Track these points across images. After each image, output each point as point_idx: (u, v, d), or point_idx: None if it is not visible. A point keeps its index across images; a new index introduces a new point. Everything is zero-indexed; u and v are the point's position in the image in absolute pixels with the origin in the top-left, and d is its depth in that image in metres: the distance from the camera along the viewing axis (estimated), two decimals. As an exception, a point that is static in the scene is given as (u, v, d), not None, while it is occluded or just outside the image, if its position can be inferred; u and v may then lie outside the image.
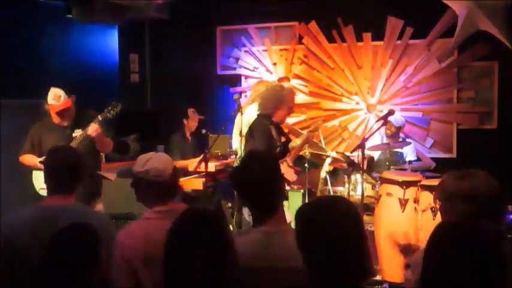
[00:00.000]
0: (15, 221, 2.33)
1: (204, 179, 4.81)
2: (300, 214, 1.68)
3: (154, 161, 2.41)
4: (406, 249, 2.65)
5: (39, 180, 3.94)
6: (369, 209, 4.49)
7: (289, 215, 5.14)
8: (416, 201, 3.76)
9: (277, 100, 4.04)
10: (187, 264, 1.65)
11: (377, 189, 4.21)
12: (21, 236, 2.24)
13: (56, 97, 4.00)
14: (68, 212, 2.31)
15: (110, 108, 4.08)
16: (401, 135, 5.32)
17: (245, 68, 6.36)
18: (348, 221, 1.61)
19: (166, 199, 2.40)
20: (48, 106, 4.03)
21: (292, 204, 5.22)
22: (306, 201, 5.13)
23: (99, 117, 4.03)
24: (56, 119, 4.06)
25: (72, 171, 2.45)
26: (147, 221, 2.35)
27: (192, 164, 4.89)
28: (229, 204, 5.49)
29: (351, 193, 4.42)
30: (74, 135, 4.03)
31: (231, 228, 5.13)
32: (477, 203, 1.96)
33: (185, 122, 5.74)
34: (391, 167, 4.87)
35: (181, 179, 5.22)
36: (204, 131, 5.85)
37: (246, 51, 6.34)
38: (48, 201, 2.42)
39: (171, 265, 1.69)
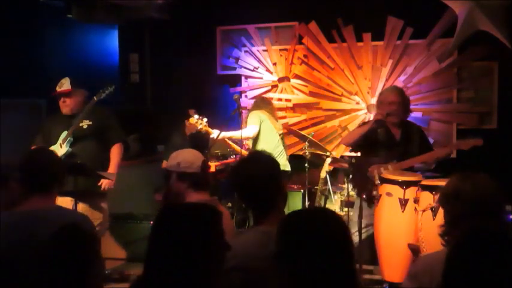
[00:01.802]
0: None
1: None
2: (281, 228, 1.59)
3: (184, 154, 2.56)
4: (414, 251, 2.66)
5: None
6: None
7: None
8: (416, 201, 3.75)
9: (377, 108, 4.25)
10: (169, 258, 1.58)
11: (377, 189, 4.20)
12: (2, 242, 2.22)
13: (60, 84, 4.19)
14: (47, 214, 2.29)
15: (103, 89, 4.27)
16: None
17: (245, 68, 6.36)
18: (335, 235, 1.52)
19: (200, 190, 2.48)
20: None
21: (292, 204, 5.23)
22: (306, 201, 5.14)
23: (95, 98, 4.21)
24: (61, 107, 4.20)
25: (47, 172, 2.44)
26: None
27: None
28: (229, 204, 5.50)
29: (351, 193, 4.43)
30: (80, 124, 4.15)
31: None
32: (476, 204, 1.97)
33: (186, 123, 5.73)
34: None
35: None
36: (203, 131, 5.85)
37: (246, 51, 6.34)
38: (27, 205, 2.38)
39: (153, 256, 1.63)
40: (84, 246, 1.83)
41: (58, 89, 4.18)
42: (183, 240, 1.58)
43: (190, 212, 1.66)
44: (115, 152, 4.30)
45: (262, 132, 5.11)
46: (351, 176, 4.34)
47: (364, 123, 4.41)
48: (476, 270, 1.41)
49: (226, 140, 5.21)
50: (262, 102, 5.40)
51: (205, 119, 4.91)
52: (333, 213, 1.64)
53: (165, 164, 5.58)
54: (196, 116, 4.92)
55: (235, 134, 5.01)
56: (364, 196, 4.08)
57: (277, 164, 2.20)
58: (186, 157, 2.53)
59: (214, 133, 4.91)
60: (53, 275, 1.79)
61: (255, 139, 5.13)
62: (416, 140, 4.19)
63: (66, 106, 4.19)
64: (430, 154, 4.12)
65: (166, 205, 1.74)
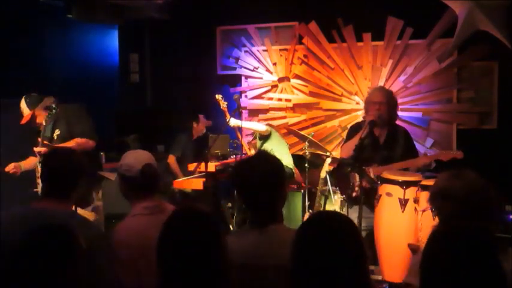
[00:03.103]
0: (4, 220, 2.28)
1: (204, 179, 4.82)
2: (300, 233, 1.61)
3: (129, 156, 2.51)
4: (414, 251, 2.66)
5: None
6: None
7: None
8: (416, 201, 3.75)
9: (364, 108, 4.29)
10: (180, 263, 1.62)
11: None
12: (8, 235, 2.21)
13: (21, 110, 4.12)
14: (53, 216, 2.24)
15: (50, 111, 4.03)
16: None
17: (245, 68, 6.36)
18: (350, 243, 1.55)
19: (142, 194, 2.44)
20: None
21: (292, 204, 5.23)
22: (306, 201, 5.14)
23: (43, 122, 4.01)
24: None
25: (70, 175, 2.39)
26: (138, 217, 2.40)
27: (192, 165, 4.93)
28: (229, 204, 5.50)
29: (354, 194, 4.42)
30: (54, 135, 4.08)
31: (231, 228, 5.14)
32: (466, 202, 1.97)
33: (194, 125, 5.84)
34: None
35: (181, 179, 5.24)
36: (204, 131, 5.87)
37: (246, 51, 6.34)
38: (41, 204, 2.36)
39: (164, 264, 1.66)
40: (56, 252, 1.73)
41: (23, 115, 4.10)
42: (194, 244, 1.63)
43: (196, 218, 1.71)
44: (72, 141, 4.04)
45: (273, 135, 5.28)
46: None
47: (352, 127, 4.35)
48: (444, 267, 1.45)
49: (237, 130, 5.32)
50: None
51: (226, 102, 5.17)
52: (347, 218, 1.67)
53: (170, 158, 5.67)
54: (220, 96, 5.17)
55: (248, 124, 5.27)
56: (344, 196, 4.09)
57: (281, 165, 2.16)
58: (127, 160, 2.49)
59: (232, 120, 5.04)
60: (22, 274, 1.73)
61: (265, 140, 5.19)
62: (401, 144, 4.11)
63: (38, 124, 4.10)
64: (410, 162, 4.05)
65: (174, 211, 1.76)
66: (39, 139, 3.98)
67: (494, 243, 1.47)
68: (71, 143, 4.02)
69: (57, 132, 4.08)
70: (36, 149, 3.92)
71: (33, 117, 4.11)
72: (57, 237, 1.75)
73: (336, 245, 1.51)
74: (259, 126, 5.26)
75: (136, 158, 2.50)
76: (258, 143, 5.35)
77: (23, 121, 4.11)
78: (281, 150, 5.03)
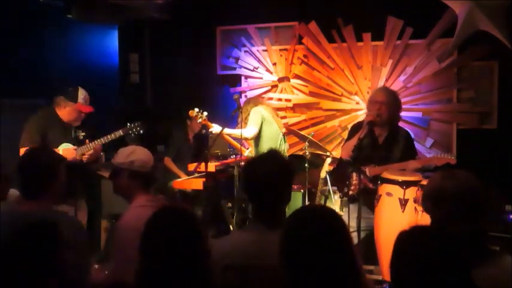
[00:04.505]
0: None
1: (204, 179, 4.82)
2: (287, 226, 1.64)
3: (139, 153, 2.64)
4: None
5: None
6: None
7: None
8: (416, 201, 3.75)
9: (367, 107, 4.26)
10: (161, 259, 1.65)
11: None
12: None
13: (86, 99, 4.18)
14: (37, 217, 2.25)
15: (132, 128, 4.30)
16: None
17: (245, 68, 6.36)
18: (338, 232, 1.58)
19: (148, 189, 2.62)
20: (75, 105, 4.15)
21: (293, 204, 5.22)
22: (306, 201, 5.14)
23: (121, 132, 4.22)
24: (69, 117, 4.14)
25: (46, 175, 2.38)
26: (144, 208, 2.46)
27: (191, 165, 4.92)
28: (229, 204, 5.50)
29: (350, 192, 4.43)
30: (77, 134, 4.10)
31: (231, 228, 5.14)
32: (460, 203, 1.96)
33: (188, 122, 5.78)
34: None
35: (182, 179, 5.25)
36: (204, 131, 5.86)
37: (246, 51, 6.34)
38: (22, 206, 2.35)
39: (146, 258, 1.69)
40: (40, 250, 1.75)
41: (84, 103, 4.17)
42: (176, 243, 1.66)
43: (179, 218, 1.75)
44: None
45: (264, 132, 5.03)
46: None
47: (353, 127, 4.35)
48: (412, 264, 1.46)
49: (226, 137, 5.20)
50: (258, 100, 5.37)
51: (205, 113, 4.97)
52: (333, 211, 1.69)
53: (166, 161, 5.62)
54: (196, 109, 4.98)
55: (234, 132, 5.01)
56: (341, 194, 4.10)
57: (289, 165, 2.21)
58: (140, 156, 2.62)
59: (214, 127, 4.91)
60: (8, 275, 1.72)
61: (257, 138, 5.07)
62: (400, 145, 4.09)
63: (79, 120, 4.17)
64: (402, 164, 4.04)
65: (155, 212, 1.78)
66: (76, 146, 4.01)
67: (466, 246, 1.48)
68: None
69: (82, 133, 4.12)
70: (85, 154, 4.02)
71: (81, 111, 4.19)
72: (34, 236, 1.75)
73: (320, 237, 1.54)
74: (246, 133, 4.96)
75: (146, 154, 2.66)
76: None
77: (91, 110, 4.19)
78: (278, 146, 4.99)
